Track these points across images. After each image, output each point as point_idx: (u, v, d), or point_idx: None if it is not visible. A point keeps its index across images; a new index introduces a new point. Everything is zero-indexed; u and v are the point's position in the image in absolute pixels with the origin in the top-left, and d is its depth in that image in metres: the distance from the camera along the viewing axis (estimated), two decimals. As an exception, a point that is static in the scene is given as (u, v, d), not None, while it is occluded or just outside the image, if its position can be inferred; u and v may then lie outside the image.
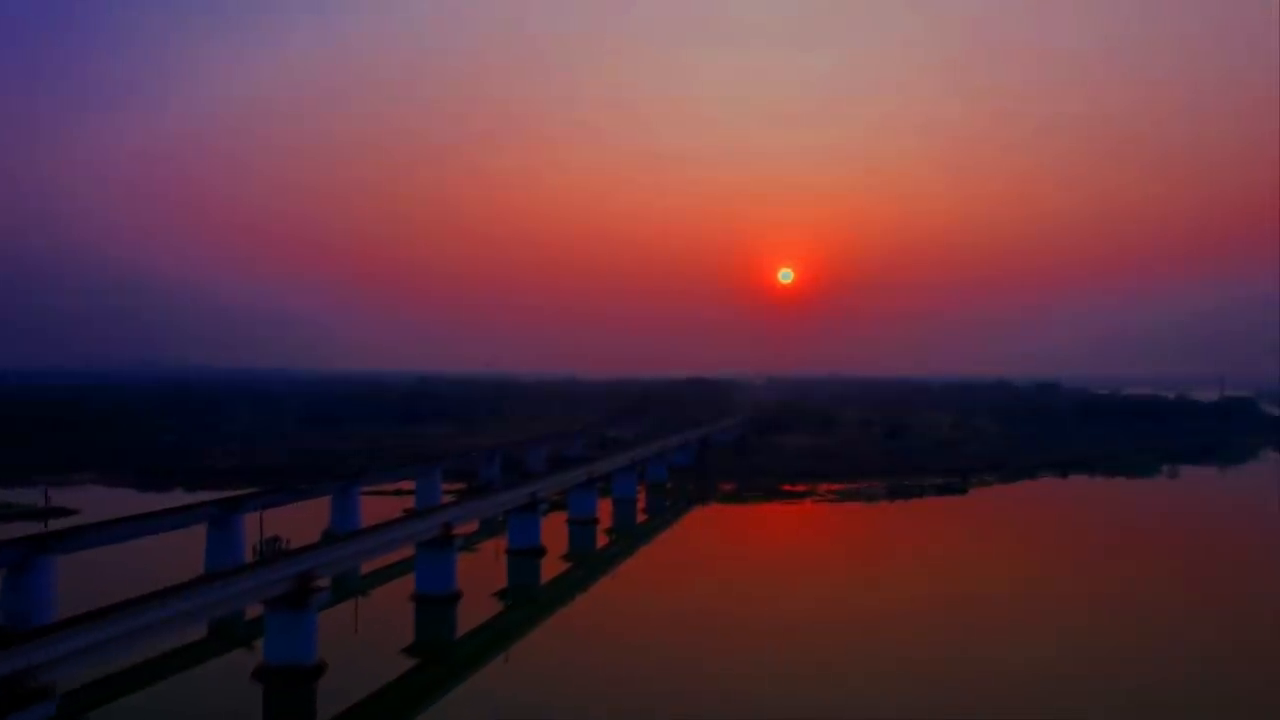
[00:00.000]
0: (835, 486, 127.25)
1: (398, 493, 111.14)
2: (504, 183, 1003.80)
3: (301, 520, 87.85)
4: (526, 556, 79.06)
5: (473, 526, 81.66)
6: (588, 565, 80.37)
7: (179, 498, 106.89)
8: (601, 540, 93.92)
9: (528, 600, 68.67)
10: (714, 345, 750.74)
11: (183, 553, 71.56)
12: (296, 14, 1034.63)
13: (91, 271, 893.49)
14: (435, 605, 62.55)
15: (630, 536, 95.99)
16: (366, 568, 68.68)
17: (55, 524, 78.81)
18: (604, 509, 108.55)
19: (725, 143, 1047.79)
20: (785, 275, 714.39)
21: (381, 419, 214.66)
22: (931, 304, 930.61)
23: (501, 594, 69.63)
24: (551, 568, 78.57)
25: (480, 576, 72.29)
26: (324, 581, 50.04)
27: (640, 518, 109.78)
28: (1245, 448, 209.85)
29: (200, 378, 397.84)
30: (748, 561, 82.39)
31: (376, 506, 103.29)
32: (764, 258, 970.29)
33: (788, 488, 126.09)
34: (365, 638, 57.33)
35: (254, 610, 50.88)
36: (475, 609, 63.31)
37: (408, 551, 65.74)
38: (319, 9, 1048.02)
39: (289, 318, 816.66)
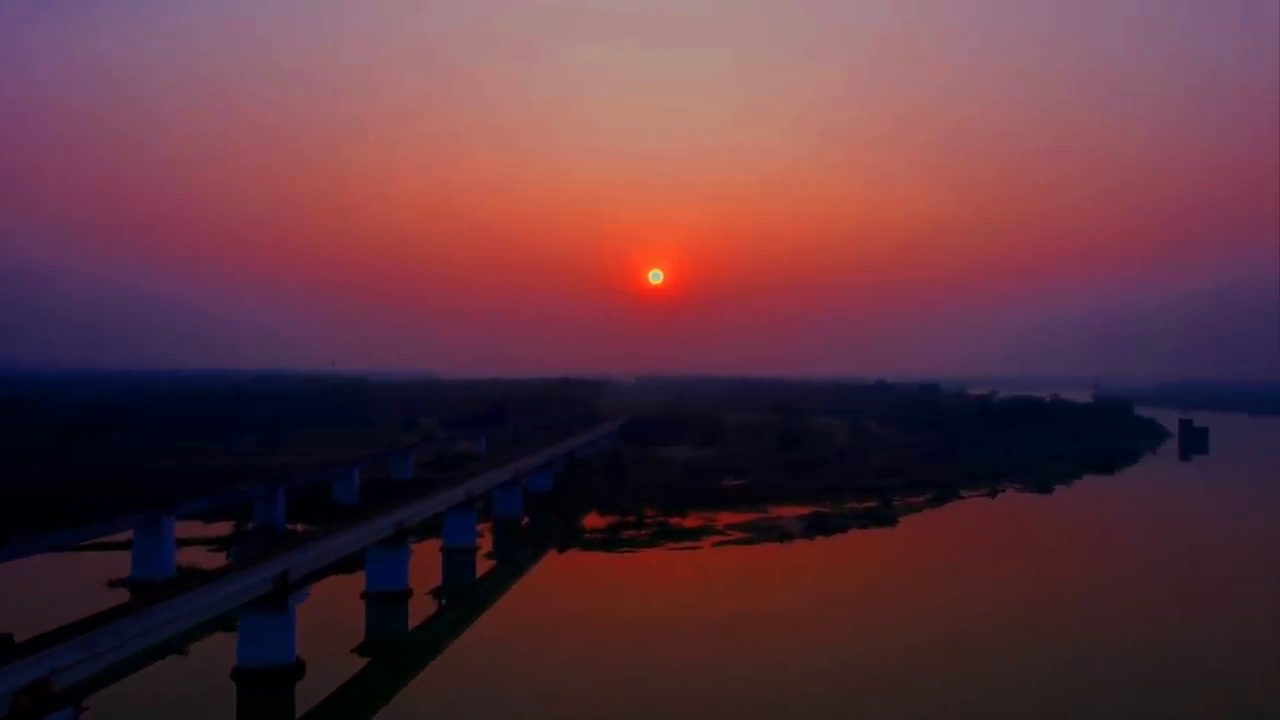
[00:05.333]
0: (737, 518, 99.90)
1: (127, 544, 75.91)
2: (389, 178, 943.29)
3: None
4: (270, 678, 47.26)
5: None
6: (371, 683, 49.57)
7: None
8: (425, 611, 63.86)
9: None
10: (583, 344, 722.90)
11: None
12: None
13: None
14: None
15: (459, 611, 65.46)
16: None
17: None
18: (430, 563, 78.05)
19: (610, 143, 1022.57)
20: (655, 275, 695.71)
21: (176, 428, 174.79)
22: (810, 305, 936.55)
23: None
24: (315, 690, 47.34)
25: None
26: None
27: (488, 566, 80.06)
28: (1138, 451, 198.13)
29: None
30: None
31: (84, 572, 69.57)
32: (638, 257, 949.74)
33: (677, 521, 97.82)
34: None
35: None
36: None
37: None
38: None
39: (123, 310, 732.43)
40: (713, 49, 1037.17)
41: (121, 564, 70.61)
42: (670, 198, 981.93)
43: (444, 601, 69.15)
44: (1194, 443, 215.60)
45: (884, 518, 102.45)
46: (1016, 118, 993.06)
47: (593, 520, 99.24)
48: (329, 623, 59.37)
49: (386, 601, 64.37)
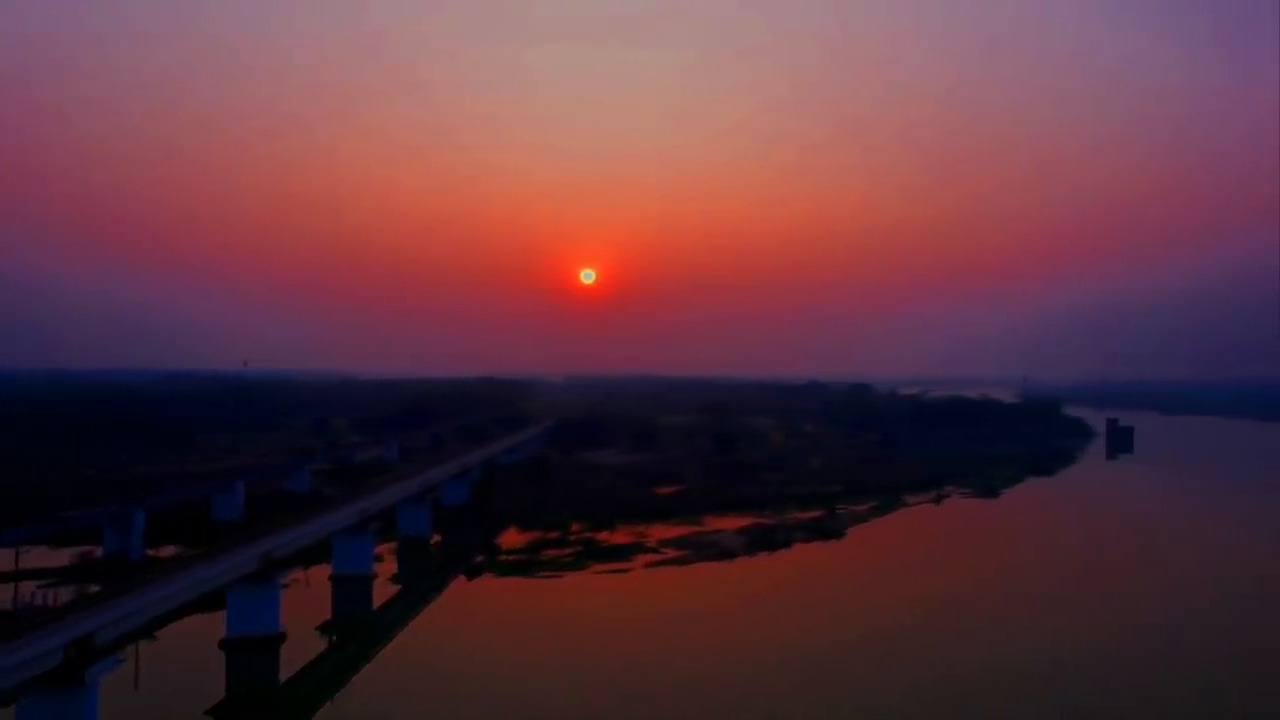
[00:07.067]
0: (672, 532, 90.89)
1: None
2: (325, 177, 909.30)
3: None
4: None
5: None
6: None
7: None
8: (303, 656, 52.95)
9: None
10: (513, 344, 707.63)
11: None
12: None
13: None
14: None
15: (343, 655, 54.86)
16: None
17: None
18: (320, 594, 67.25)
19: (555, 142, 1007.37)
20: (588, 275, 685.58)
21: (57, 435, 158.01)
22: (742, 306, 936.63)
23: None
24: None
25: None
26: None
27: (389, 594, 69.39)
28: (1073, 451, 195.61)
29: None
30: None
31: None
32: (574, 257, 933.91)
33: (605, 537, 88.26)
34: None
35: None
36: None
37: None
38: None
39: (17, 304, 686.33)
40: (661, 50, 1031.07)
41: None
42: (611, 198, 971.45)
43: (334, 639, 58.63)
44: (1120, 442, 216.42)
45: (830, 530, 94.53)
46: (961, 123, 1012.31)
47: (512, 537, 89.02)
48: (172, 680, 48.48)
49: (251, 649, 53.30)
